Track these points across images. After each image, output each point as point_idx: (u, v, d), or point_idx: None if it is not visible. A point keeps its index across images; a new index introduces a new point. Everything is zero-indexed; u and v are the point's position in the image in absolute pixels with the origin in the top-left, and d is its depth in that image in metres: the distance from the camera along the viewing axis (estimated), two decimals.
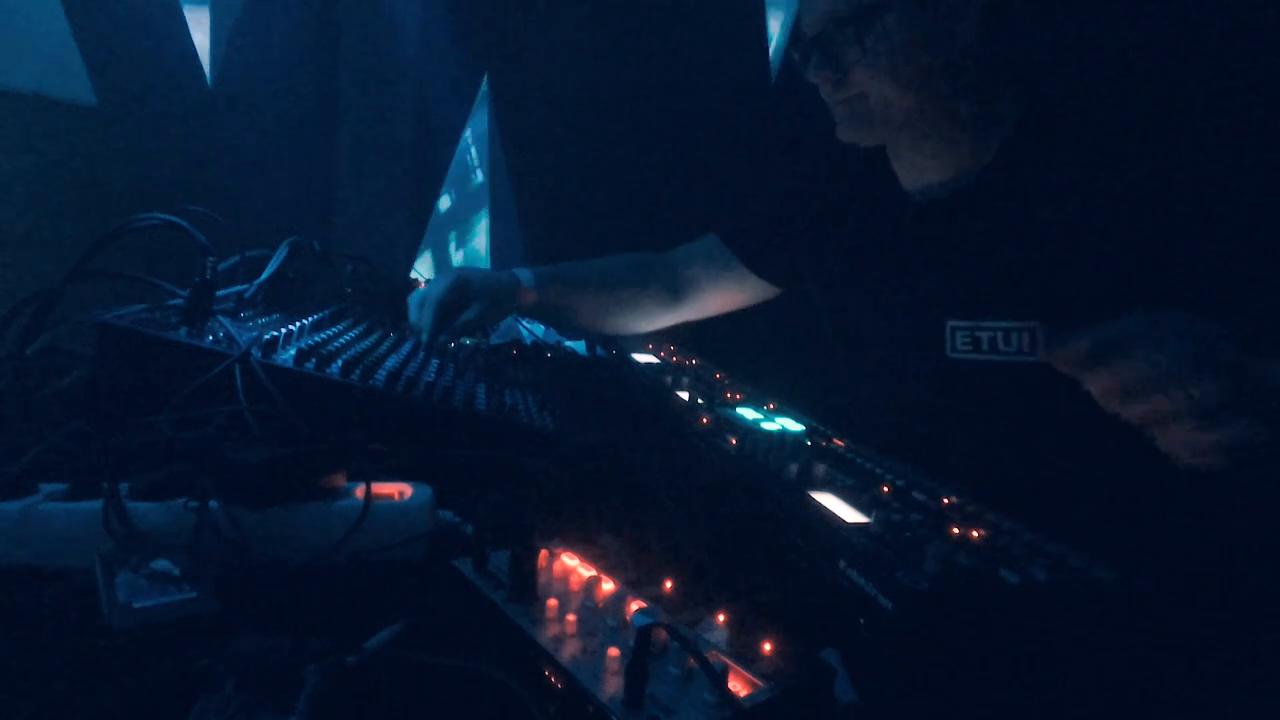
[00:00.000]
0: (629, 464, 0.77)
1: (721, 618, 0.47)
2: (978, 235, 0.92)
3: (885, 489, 0.62)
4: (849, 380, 1.12)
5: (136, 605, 0.46)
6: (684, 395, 0.88)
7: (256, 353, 0.80)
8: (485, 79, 2.25)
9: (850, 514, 0.56)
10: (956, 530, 0.54)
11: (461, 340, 1.14)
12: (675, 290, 1.28)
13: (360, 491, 0.60)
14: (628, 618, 0.47)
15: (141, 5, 1.70)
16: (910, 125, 0.92)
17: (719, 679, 0.40)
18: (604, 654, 0.43)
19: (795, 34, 0.98)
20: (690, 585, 0.53)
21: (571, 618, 0.46)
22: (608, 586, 0.51)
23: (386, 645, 0.45)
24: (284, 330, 0.88)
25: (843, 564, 0.48)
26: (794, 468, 0.64)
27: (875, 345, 1.05)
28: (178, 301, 0.89)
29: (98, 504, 0.53)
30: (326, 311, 1.09)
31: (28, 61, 1.51)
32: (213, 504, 0.55)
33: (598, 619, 0.47)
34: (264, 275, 1.09)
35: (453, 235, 3.67)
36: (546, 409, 0.93)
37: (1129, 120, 0.87)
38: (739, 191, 1.59)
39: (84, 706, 0.39)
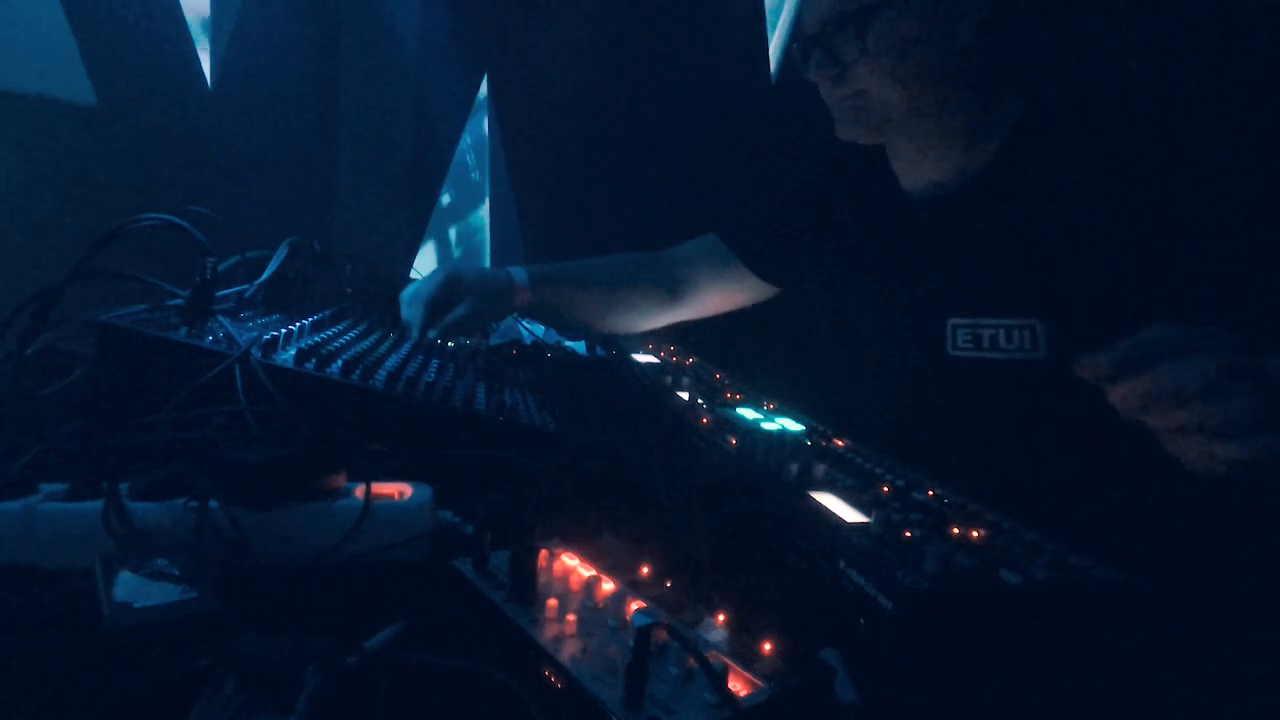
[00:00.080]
0: (629, 464, 0.77)
1: (721, 618, 0.47)
2: (978, 233, 0.92)
3: (885, 489, 0.62)
4: (849, 380, 1.12)
5: (136, 605, 0.46)
6: (684, 395, 0.88)
7: (256, 353, 0.80)
8: (485, 79, 2.26)
9: (850, 514, 0.56)
10: (956, 530, 0.54)
11: (461, 340, 1.14)
12: (673, 289, 1.28)
13: (360, 491, 0.60)
14: (628, 618, 0.47)
15: (141, 5, 1.70)
16: (910, 123, 0.92)
17: (719, 679, 0.40)
18: (604, 654, 0.43)
19: (796, 32, 0.98)
20: (690, 585, 0.53)
21: (571, 618, 0.46)
22: (608, 586, 0.51)
23: (386, 645, 0.45)
24: (284, 330, 0.88)
25: (843, 564, 0.48)
26: (794, 468, 0.64)
27: (875, 344, 1.05)
28: (178, 301, 0.89)
29: (98, 504, 0.53)
30: (326, 311, 1.09)
31: (28, 61, 1.51)
32: (213, 504, 0.54)
33: (598, 619, 0.47)
34: (264, 275, 1.09)
35: (453, 230, 3.68)
36: (546, 409, 0.93)
37: (1130, 119, 0.87)
38: (738, 191, 1.59)
39: (84, 706, 0.39)
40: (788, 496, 0.59)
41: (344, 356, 0.87)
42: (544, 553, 0.54)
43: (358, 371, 0.83)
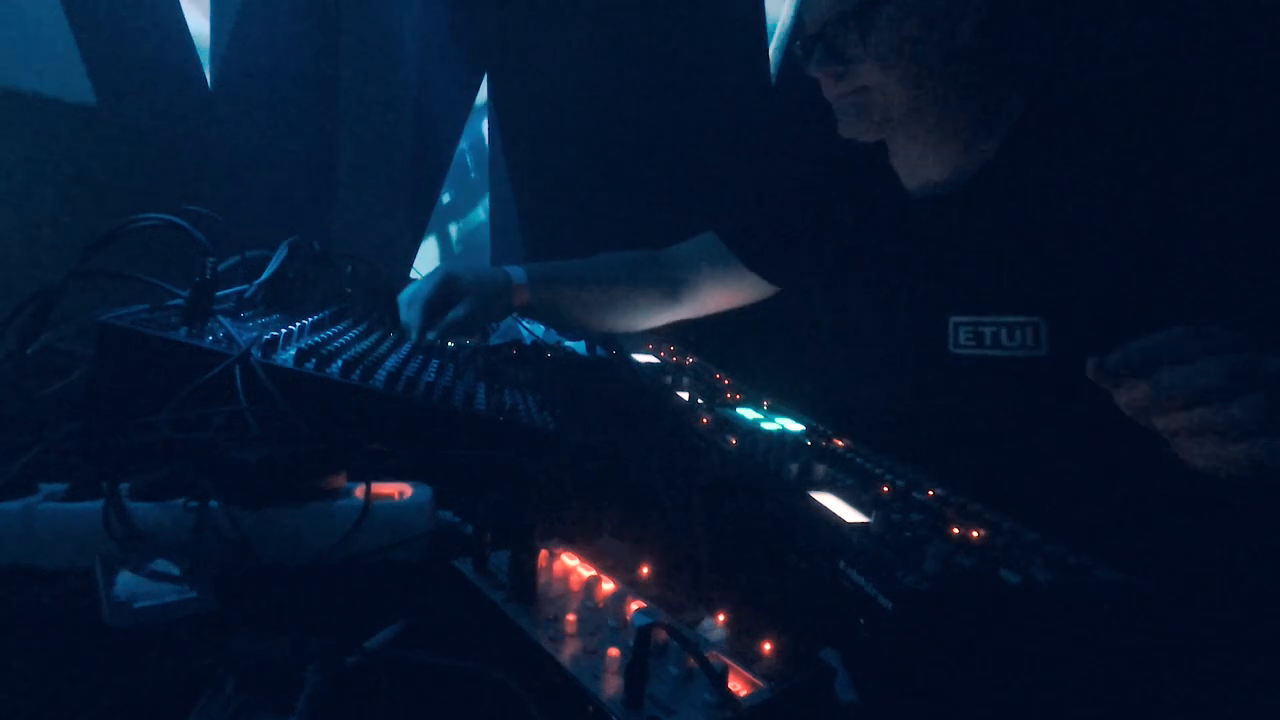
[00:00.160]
0: (629, 464, 0.77)
1: (721, 618, 0.48)
2: (979, 231, 0.92)
3: (885, 489, 0.62)
4: (849, 380, 1.12)
5: (136, 605, 0.46)
6: (684, 395, 0.88)
7: (256, 353, 0.80)
8: (485, 79, 2.25)
9: (850, 514, 0.56)
10: (956, 530, 0.54)
11: (461, 340, 1.14)
12: (673, 288, 1.28)
13: (360, 491, 0.60)
14: (628, 618, 0.47)
15: (141, 5, 1.70)
16: (911, 121, 0.92)
17: (719, 679, 0.40)
18: (604, 654, 0.43)
19: (797, 30, 0.98)
20: (690, 585, 0.53)
21: (571, 618, 0.46)
22: (608, 586, 0.51)
23: (386, 645, 0.45)
24: (284, 330, 0.88)
25: (843, 564, 0.48)
26: (794, 468, 0.64)
27: (876, 343, 1.05)
28: (178, 301, 0.89)
29: (98, 504, 0.53)
30: (326, 312, 1.09)
31: (28, 61, 1.51)
32: (213, 504, 0.55)
33: (598, 619, 0.47)
34: (264, 275, 1.09)
35: (454, 227, 3.69)
36: (546, 409, 0.93)
37: (1130, 119, 0.87)
38: (738, 190, 1.59)
39: (84, 706, 0.39)
40: (788, 496, 0.59)
41: (344, 356, 0.87)
42: (544, 553, 0.54)
43: (358, 371, 0.83)
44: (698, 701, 0.40)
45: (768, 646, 0.45)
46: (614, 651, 0.42)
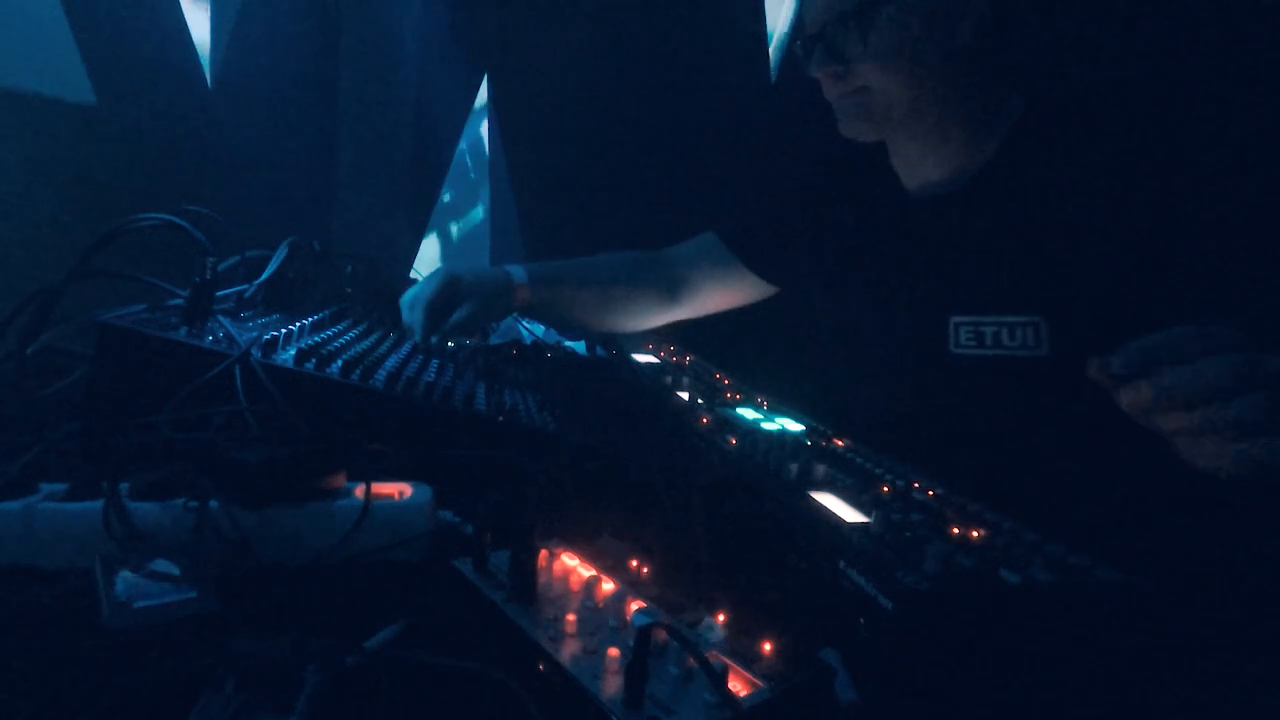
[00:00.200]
0: (629, 464, 0.77)
1: (721, 618, 0.48)
2: (979, 231, 0.92)
3: (885, 489, 0.62)
4: (849, 380, 1.12)
5: (136, 605, 0.46)
6: (684, 395, 0.88)
7: (256, 353, 0.80)
8: (485, 79, 2.25)
9: (850, 514, 0.56)
10: (956, 530, 0.54)
11: (461, 340, 1.14)
12: (672, 288, 1.28)
13: (360, 491, 0.60)
14: (628, 618, 0.47)
15: (141, 5, 1.70)
16: (912, 121, 0.92)
17: (719, 679, 0.40)
18: (604, 654, 0.43)
19: (798, 30, 0.98)
20: (690, 585, 0.53)
21: (571, 618, 0.46)
22: (608, 586, 0.51)
23: (386, 645, 0.45)
24: (284, 330, 0.88)
25: (843, 564, 0.48)
26: (794, 468, 0.64)
27: (876, 343, 1.05)
28: (178, 301, 0.89)
29: (98, 504, 0.53)
30: (326, 312, 1.09)
31: (28, 61, 1.51)
32: (213, 504, 0.55)
33: (598, 619, 0.47)
34: (264, 275, 1.09)
35: (454, 226, 3.69)
36: (546, 409, 0.93)
37: (1131, 117, 0.87)
38: (738, 190, 1.59)
39: (84, 706, 0.39)
40: (788, 496, 0.59)
41: (344, 356, 0.87)
42: (544, 553, 0.54)
43: (358, 371, 0.83)
44: (698, 701, 0.40)
45: (768, 646, 0.45)
46: (614, 651, 0.42)
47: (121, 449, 0.66)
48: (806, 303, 1.20)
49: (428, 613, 0.50)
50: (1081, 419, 0.75)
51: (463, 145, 2.80)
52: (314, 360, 0.83)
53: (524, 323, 1.42)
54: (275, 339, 0.84)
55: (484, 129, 2.88)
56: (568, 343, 1.42)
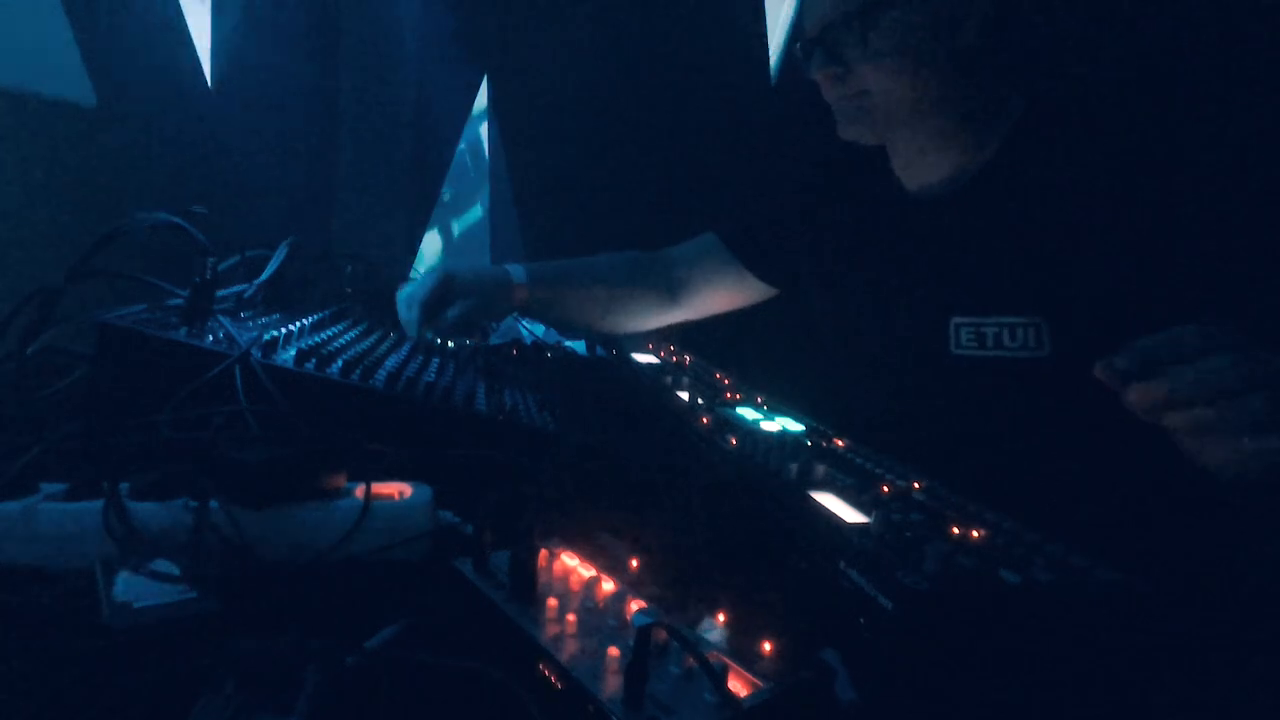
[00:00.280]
0: (629, 464, 0.77)
1: (721, 618, 0.47)
2: (980, 232, 0.92)
3: (885, 489, 0.62)
4: (849, 380, 1.12)
5: (136, 605, 0.46)
6: (684, 395, 0.88)
7: (256, 353, 0.80)
8: (485, 79, 2.25)
9: (850, 514, 0.56)
10: (956, 530, 0.54)
11: (461, 340, 1.14)
12: (671, 289, 1.28)
13: (360, 491, 0.60)
14: (628, 618, 0.47)
15: (141, 5, 1.70)
16: (912, 123, 0.92)
17: (719, 679, 0.40)
18: (604, 654, 0.43)
19: (797, 33, 0.98)
20: (690, 585, 0.53)
21: (571, 618, 0.46)
22: (608, 586, 0.51)
23: (386, 645, 0.45)
24: (284, 330, 0.88)
25: (843, 564, 0.48)
26: (794, 468, 0.64)
27: (876, 344, 1.05)
28: (178, 301, 0.89)
29: (98, 504, 0.53)
30: (326, 312, 1.10)
31: (28, 61, 1.51)
32: (213, 504, 0.55)
33: (598, 619, 0.47)
34: (264, 275, 1.09)
35: (455, 224, 3.69)
36: (546, 409, 0.93)
37: (1131, 117, 0.87)
38: (738, 191, 1.59)
39: (84, 706, 0.39)
40: (788, 496, 0.59)
41: (344, 356, 0.87)
42: (544, 553, 0.54)
43: (358, 371, 0.83)
44: (698, 701, 0.40)
45: (768, 646, 0.45)
46: (614, 651, 0.42)
47: (121, 449, 0.66)
48: (807, 304, 1.19)
49: (428, 613, 0.49)
50: (1083, 420, 0.75)
51: (462, 145, 2.80)
52: (314, 360, 0.83)
53: (524, 323, 1.42)
54: (275, 339, 0.84)
55: (484, 129, 2.88)
56: (568, 343, 1.42)
